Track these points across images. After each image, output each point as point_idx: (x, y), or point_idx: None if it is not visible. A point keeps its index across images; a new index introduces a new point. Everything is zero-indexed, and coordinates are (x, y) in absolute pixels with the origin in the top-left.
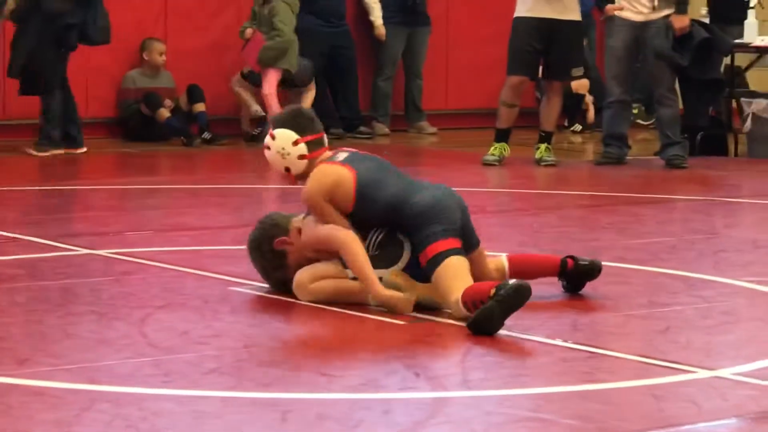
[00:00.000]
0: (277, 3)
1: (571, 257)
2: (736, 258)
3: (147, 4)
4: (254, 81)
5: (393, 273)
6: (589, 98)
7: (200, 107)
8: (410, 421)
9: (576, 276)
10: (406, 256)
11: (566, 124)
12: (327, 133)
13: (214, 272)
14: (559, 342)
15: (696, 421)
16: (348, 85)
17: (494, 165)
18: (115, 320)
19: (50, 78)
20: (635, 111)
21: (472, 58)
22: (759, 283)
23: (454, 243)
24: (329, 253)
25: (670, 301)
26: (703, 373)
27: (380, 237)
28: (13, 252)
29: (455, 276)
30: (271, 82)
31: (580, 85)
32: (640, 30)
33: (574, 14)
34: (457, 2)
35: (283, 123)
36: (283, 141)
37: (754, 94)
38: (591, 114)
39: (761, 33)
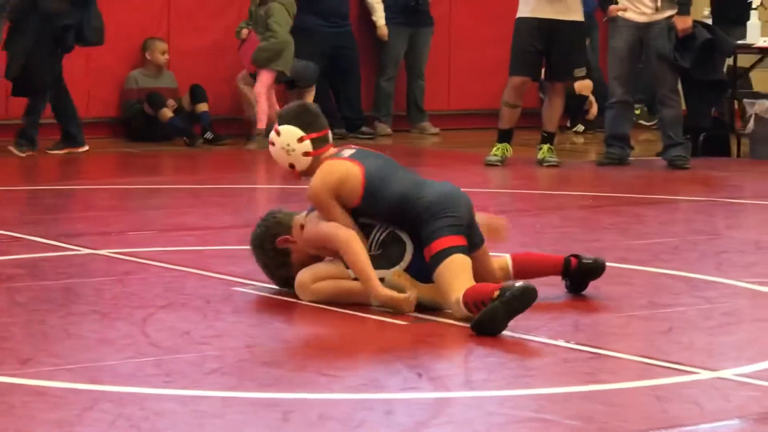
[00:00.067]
0: (273, 4)
1: (575, 256)
2: (738, 259)
3: (149, 4)
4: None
5: (395, 273)
6: (592, 99)
7: (203, 107)
8: (412, 422)
9: (580, 275)
10: (408, 255)
11: (568, 124)
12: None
13: (216, 272)
14: (561, 342)
15: (698, 422)
16: (350, 86)
17: (496, 165)
18: (117, 320)
19: (46, 79)
20: (637, 112)
21: (475, 58)
22: (761, 284)
23: (460, 240)
24: (330, 250)
25: (672, 301)
26: (705, 374)
27: (383, 236)
28: (15, 252)
29: (457, 275)
30: (263, 82)
31: (583, 86)
32: (643, 31)
33: (577, 15)
34: (460, 3)
35: (288, 119)
36: (288, 137)
37: (757, 95)
38: (594, 109)
39: (764, 34)
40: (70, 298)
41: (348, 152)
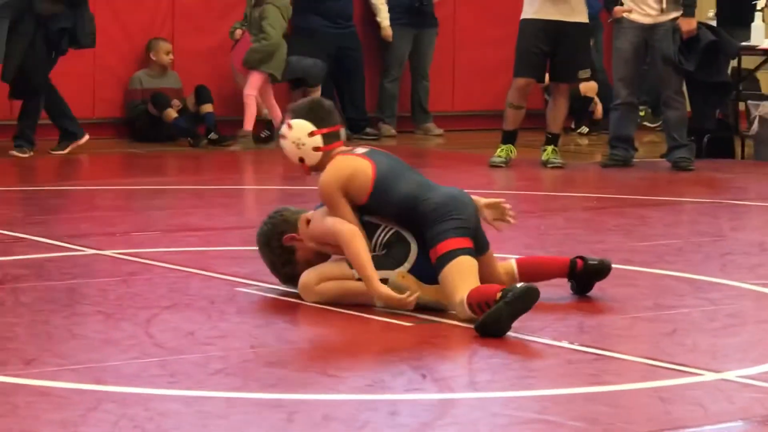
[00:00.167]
0: (268, 6)
1: (581, 257)
2: (742, 260)
3: (154, 5)
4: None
5: (399, 274)
6: (596, 101)
7: (208, 108)
8: (416, 423)
9: (586, 276)
10: (412, 256)
11: (573, 126)
12: None
13: (220, 273)
14: (565, 344)
15: (702, 424)
16: (354, 87)
17: (501, 167)
18: (122, 320)
19: (40, 81)
20: (642, 113)
21: (479, 59)
22: (766, 285)
23: (466, 242)
24: (334, 246)
25: (676, 303)
26: (709, 376)
27: (387, 236)
28: (19, 252)
29: (462, 276)
30: (253, 84)
31: (588, 88)
32: (647, 32)
33: (581, 16)
34: (464, 4)
35: (300, 113)
36: (299, 132)
37: (762, 97)
38: (599, 109)
39: None
40: (74, 298)
41: (360, 150)
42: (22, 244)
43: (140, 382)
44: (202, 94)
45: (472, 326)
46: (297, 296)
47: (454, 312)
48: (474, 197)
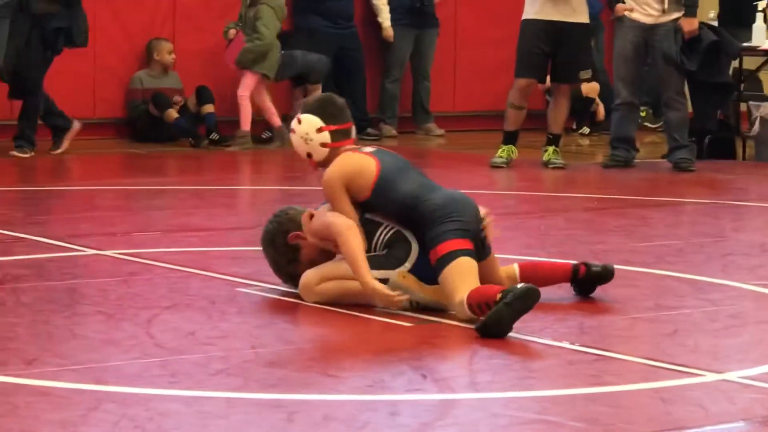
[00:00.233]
0: (263, 6)
1: (584, 263)
2: (743, 261)
3: (154, 5)
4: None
5: (400, 274)
6: (597, 101)
7: (209, 108)
8: (417, 423)
9: (588, 282)
10: (413, 255)
11: (574, 126)
12: None
13: (220, 273)
14: (566, 345)
15: (703, 425)
16: (355, 87)
17: (502, 167)
18: (122, 321)
19: (36, 81)
20: (643, 114)
21: (480, 60)
22: (766, 286)
23: (466, 243)
24: (333, 241)
25: (677, 304)
26: (710, 377)
27: (388, 235)
28: (20, 252)
29: (462, 277)
30: (246, 85)
31: (590, 89)
32: (649, 33)
33: (582, 17)
34: (465, 4)
35: (311, 108)
36: (307, 126)
37: (763, 98)
38: (601, 110)
39: None
40: (75, 298)
41: (368, 149)
42: (22, 244)
43: (141, 382)
44: (203, 95)
45: (472, 327)
46: (297, 296)
47: (454, 312)
48: None
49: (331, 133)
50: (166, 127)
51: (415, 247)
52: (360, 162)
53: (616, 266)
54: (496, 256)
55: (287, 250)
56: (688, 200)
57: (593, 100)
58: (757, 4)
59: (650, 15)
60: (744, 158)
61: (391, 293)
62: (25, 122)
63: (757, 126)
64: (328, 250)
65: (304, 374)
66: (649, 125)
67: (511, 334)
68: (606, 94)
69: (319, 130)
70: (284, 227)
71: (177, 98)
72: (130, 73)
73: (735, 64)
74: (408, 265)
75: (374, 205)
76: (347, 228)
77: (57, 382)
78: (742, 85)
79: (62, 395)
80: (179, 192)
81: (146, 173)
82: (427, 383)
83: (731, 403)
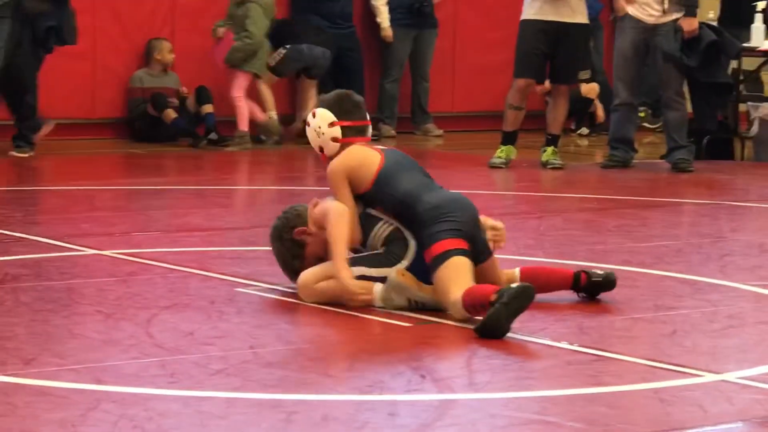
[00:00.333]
0: (251, 5)
1: (585, 272)
2: (742, 262)
3: (154, 5)
4: (278, 72)
5: (399, 272)
6: (596, 102)
7: (208, 108)
8: (416, 423)
9: (589, 290)
10: (411, 252)
11: (573, 127)
12: None
13: (220, 273)
14: (564, 345)
15: (702, 425)
16: (354, 87)
17: (500, 168)
18: (121, 320)
19: (29, 80)
20: (641, 114)
21: (479, 60)
22: (765, 287)
23: (460, 243)
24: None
25: (676, 304)
26: (709, 377)
27: (386, 232)
28: (19, 252)
29: (457, 276)
30: (240, 85)
31: (590, 89)
32: (649, 33)
33: (581, 17)
34: (464, 4)
35: (326, 103)
36: (320, 120)
37: (762, 99)
38: (600, 111)
39: None
40: (74, 298)
41: (379, 146)
42: (21, 243)
43: (140, 382)
44: (202, 95)
45: (471, 327)
46: (296, 297)
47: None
48: (481, 217)
49: (343, 128)
50: (164, 128)
51: (412, 245)
52: (365, 154)
53: (614, 267)
54: (496, 257)
55: (292, 245)
56: (687, 201)
57: (592, 100)
58: (755, 5)
59: (651, 15)
60: (743, 159)
61: (357, 290)
62: (23, 122)
63: (755, 126)
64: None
65: (303, 374)
66: (648, 126)
67: (509, 334)
68: (605, 95)
69: (332, 124)
70: (291, 223)
71: (173, 100)
72: (129, 73)
73: (734, 64)
74: (406, 262)
75: (374, 199)
76: (339, 214)
77: (56, 381)
78: (742, 86)
79: (61, 395)
80: (178, 192)
81: (145, 173)
82: (426, 383)
83: (730, 403)
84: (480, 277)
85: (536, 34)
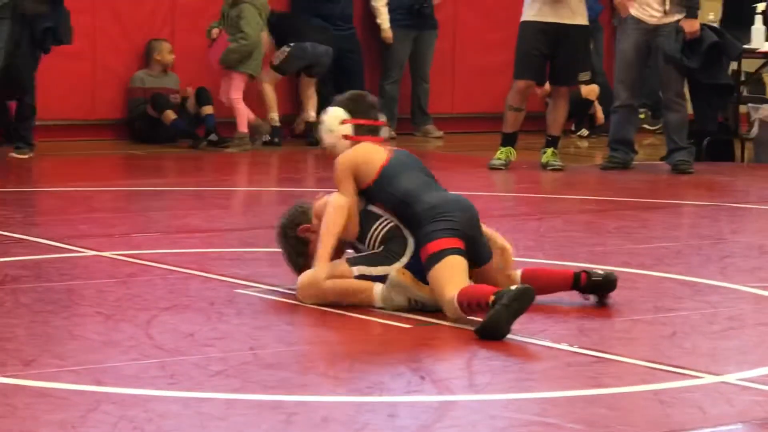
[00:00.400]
0: (245, 5)
1: (585, 271)
2: (742, 263)
3: (154, 5)
4: (283, 71)
5: (399, 271)
6: (596, 104)
7: (208, 110)
8: (416, 425)
9: (589, 290)
10: (410, 251)
11: (573, 128)
12: None
13: (219, 274)
14: (564, 346)
15: (702, 427)
16: (354, 88)
17: (500, 169)
18: (121, 322)
19: (28, 81)
20: (641, 116)
21: (479, 61)
22: (765, 288)
23: (456, 242)
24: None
25: (676, 306)
26: (709, 379)
27: (385, 230)
28: (18, 253)
29: (451, 275)
30: (237, 87)
31: (590, 91)
32: (651, 34)
33: (581, 19)
34: (464, 6)
35: (339, 102)
36: (332, 118)
37: (762, 100)
38: (599, 114)
39: None
40: (73, 299)
41: (389, 147)
42: (21, 245)
43: (140, 383)
44: (202, 96)
45: (471, 328)
46: (296, 298)
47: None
48: (493, 233)
49: (354, 126)
50: (164, 129)
51: (411, 242)
52: (372, 150)
53: (614, 268)
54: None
55: (297, 242)
56: (687, 202)
57: (592, 102)
58: (755, 6)
59: (652, 16)
60: (743, 160)
61: (313, 281)
62: (21, 123)
63: (756, 128)
64: (336, 246)
65: (303, 375)
66: (648, 127)
67: (509, 335)
68: (605, 96)
69: (342, 122)
70: (296, 220)
71: (174, 96)
72: (129, 74)
73: (733, 65)
74: (405, 259)
75: (375, 195)
76: (336, 207)
77: (56, 383)
78: (742, 87)
79: (61, 396)
80: (178, 193)
81: (145, 174)
82: (425, 385)
83: (730, 405)
84: (481, 279)
85: (536, 36)
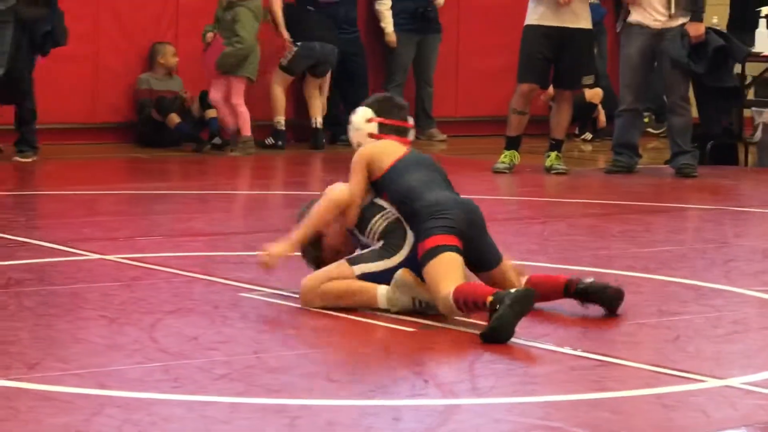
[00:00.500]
0: (240, 9)
1: (574, 279)
2: (746, 267)
3: (157, 8)
4: (291, 71)
5: (405, 271)
6: (599, 107)
7: (212, 113)
8: (420, 428)
9: (578, 297)
10: (408, 245)
11: (577, 132)
12: (338, 140)
13: (223, 278)
14: (568, 350)
15: (705, 431)
16: (358, 92)
17: (504, 173)
18: (125, 325)
19: (27, 84)
20: (645, 120)
21: (483, 65)
22: None
23: (452, 240)
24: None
25: (680, 309)
26: (712, 383)
27: (385, 224)
28: (22, 256)
29: (446, 271)
30: (238, 91)
31: (594, 95)
32: (656, 38)
33: (585, 22)
34: (468, 10)
35: (368, 102)
36: (359, 117)
37: (766, 104)
38: (602, 117)
39: None
40: (77, 303)
41: (410, 147)
42: (25, 248)
43: (144, 386)
44: (206, 100)
45: (474, 332)
46: (300, 301)
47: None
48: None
49: (380, 125)
50: (168, 132)
51: (410, 235)
52: (390, 145)
53: (618, 272)
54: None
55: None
56: (691, 206)
57: (596, 105)
58: (760, 10)
59: (657, 20)
60: (747, 164)
61: (269, 260)
62: (24, 127)
63: (759, 132)
64: (350, 240)
65: (307, 379)
66: (652, 131)
67: (513, 339)
68: (608, 100)
69: (368, 120)
70: None
71: (179, 96)
72: (132, 77)
73: (737, 69)
74: (405, 251)
75: (383, 188)
76: (332, 200)
77: (60, 386)
78: (748, 91)
79: (65, 400)
80: (182, 197)
81: (149, 178)
82: (429, 388)
83: (733, 409)
84: (489, 283)
85: (539, 39)
